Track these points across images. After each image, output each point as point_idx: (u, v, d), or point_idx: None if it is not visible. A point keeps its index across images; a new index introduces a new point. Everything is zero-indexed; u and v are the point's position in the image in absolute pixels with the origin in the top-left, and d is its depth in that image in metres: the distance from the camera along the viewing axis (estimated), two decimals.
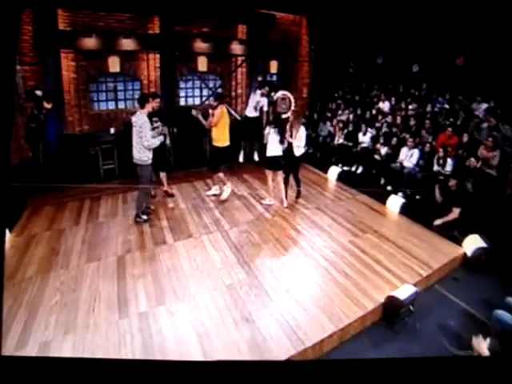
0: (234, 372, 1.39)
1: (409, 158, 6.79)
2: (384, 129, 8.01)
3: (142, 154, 4.96)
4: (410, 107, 8.24)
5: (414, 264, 4.42)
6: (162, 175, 6.15)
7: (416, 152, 6.74)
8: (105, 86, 9.65)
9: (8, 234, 4.85)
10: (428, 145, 6.64)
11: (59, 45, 8.19)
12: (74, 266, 4.30)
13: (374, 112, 8.82)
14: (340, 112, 9.32)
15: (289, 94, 10.73)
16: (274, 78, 11.43)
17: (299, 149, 6.15)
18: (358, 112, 8.89)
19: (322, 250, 4.71)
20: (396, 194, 6.45)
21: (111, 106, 9.82)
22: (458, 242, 4.90)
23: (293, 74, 11.45)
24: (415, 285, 4.00)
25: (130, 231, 5.08)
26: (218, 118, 5.67)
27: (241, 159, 7.96)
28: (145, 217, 5.34)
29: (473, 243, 4.69)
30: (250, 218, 5.59)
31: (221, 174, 6.00)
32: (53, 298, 3.76)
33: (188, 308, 3.63)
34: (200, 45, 9.18)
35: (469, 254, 4.66)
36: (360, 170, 7.98)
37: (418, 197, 6.38)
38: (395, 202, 5.98)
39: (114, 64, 9.17)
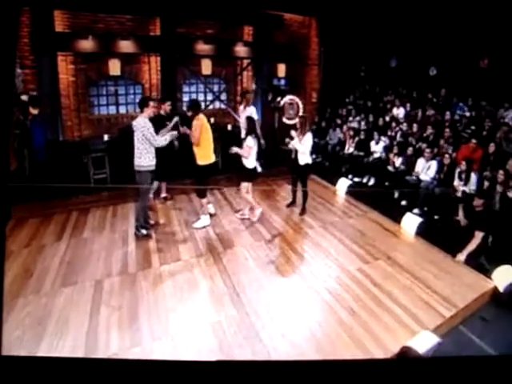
0: (234, 372, 1.36)
1: (426, 170, 6.07)
2: (398, 138, 7.31)
3: (141, 158, 4.53)
4: (427, 114, 7.48)
5: (435, 301, 3.72)
6: (162, 184, 5.77)
7: (434, 164, 6.02)
8: (105, 90, 9.26)
9: None
10: (447, 156, 5.90)
11: (56, 47, 7.83)
12: (45, 291, 3.78)
13: (387, 119, 8.10)
14: (351, 118, 8.63)
15: (297, 99, 10.18)
16: (282, 82, 10.81)
17: (304, 156, 5.54)
18: (370, 119, 8.18)
19: (326, 279, 4.07)
20: (411, 210, 5.74)
21: (112, 110, 9.43)
22: (486, 271, 4.17)
23: (301, 77, 10.81)
24: (436, 328, 3.30)
25: (114, 250, 4.55)
26: (198, 132, 4.83)
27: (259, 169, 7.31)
28: (144, 231, 4.82)
29: (505, 276, 3.95)
30: (247, 238, 4.98)
31: (204, 201, 5.20)
32: (14, 331, 3.22)
33: (165, 350, 3.07)
34: (203, 47, 8.66)
35: (501, 288, 3.92)
36: (372, 181, 7.28)
37: (436, 216, 5.65)
38: (411, 221, 5.27)
39: (114, 67, 8.74)
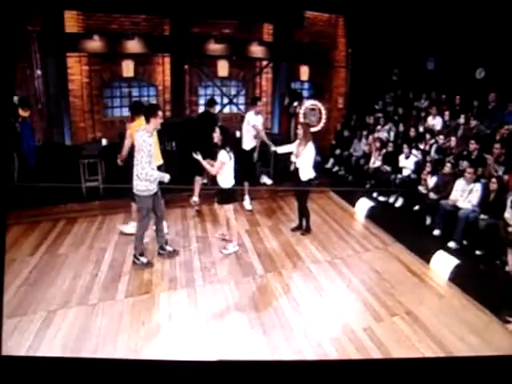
0: (234, 372, 1.34)
1: (466, 195, 4.82)
2: (433, 153, 6.03)
3: (138, 181, 3.79)
4: (472, 125, 6.13)
5: None
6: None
7: (478, 188, 4.76)
8: (119, 92, 8.79)
9: None
10: (495, 180, 4.61)
11: (65, 48, 7.47)
12: None
13: (421, 129, 6.82)
14: (379, 128, 7.42)
15: (319, 105, 9.05)
16: (306, 85, 9.76)
17: (305, 171, 4.68)
18: (401, 129, 6.92)
19: (320, 341, 3.03)
20: (447, 243, 4.53)
21: (126, 112, 8.94)
22: None
23: (327, 81, 9.70)
24: None
25: (83, 274, 3.91)
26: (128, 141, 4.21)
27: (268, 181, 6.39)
28: (144, 259, 4.08)
29: None
30: (234, 271, 4.08)
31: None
32: None
33: None
34: (218, 47, 7.81)
35: None
36: (400, 203, 6.08)
37: (478, 252, 4.40)
38: (444, 261, 4.08)
39: (127, 68, 8.31)
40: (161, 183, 3.97)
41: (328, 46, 9.08)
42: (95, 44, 7.43)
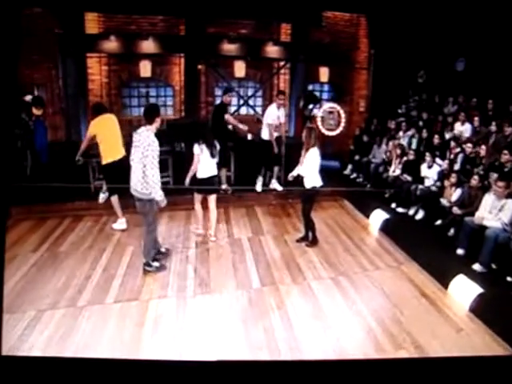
0: (234, 372, 1.32)
1: (496, 212, 4.20)
2: (459, 162, 5.41)
3: (143, 184, 3.53)
4: (507, 132, 5.45)
5: None
6: (113, 199, 4.84)
7: (510, 205, 4.13)
8: (137, 92, 8.76)
9: None
10: None
11: (85, 48, 7.54)
12: None
13: (447, 136, 6.19)
14: (401, 134, 6.83)
15: (338, 108, 8.51)
16: (326, 87, 9.26)
17: (307, 179, 4.35)
18: (424, 135, 6.31)
19: None
20: (471, 266, 3.97)
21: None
22: None
23: (347, 83, 9.17)
24: None
25: (77, 274, 3.79)
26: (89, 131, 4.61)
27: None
28: (156, 264, 3.90)
29: None
30: (228, 282, 3.75)
31: (112, 199, 4.76)
32: None
33: None
34: (234, 47, 7.49)
35: None
36: (420, 215, 5.51)
37: (510, 278, 3.81)
38: (466, 287, 3.54)
39: (145, 69, 8.33)
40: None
41: (349, 47, 8.56)
42: (113, 45, 7.43)
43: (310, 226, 4.51)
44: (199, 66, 7.64)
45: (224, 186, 5.79)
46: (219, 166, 5.35)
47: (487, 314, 3.27)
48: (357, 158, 7.53)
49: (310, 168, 4.29)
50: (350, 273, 3.95)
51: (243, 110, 8.91)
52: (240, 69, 8.29)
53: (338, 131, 8.39)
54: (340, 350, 2.84)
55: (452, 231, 4.74)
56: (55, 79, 7.93)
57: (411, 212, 5.70)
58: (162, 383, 1.31)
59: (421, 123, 6.89)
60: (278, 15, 7.29)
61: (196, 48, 7.25)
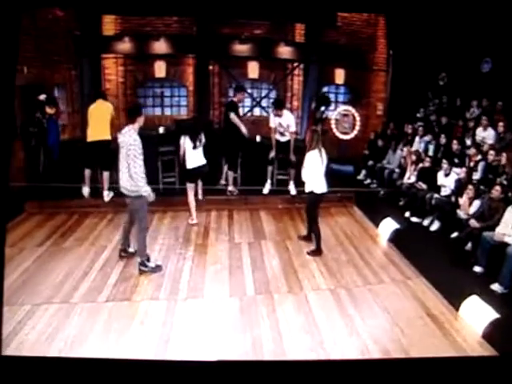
0: (234, 372, 1.30)
1: None
2: (480, 171, 4.96)
3: (131, 182, 3.58)
4: None
5: None
6: (105, 174, 5.25)
7: None
8: (151, 92, 8.80)
9: None
10: None
11: (101, 50, 7.65)
12: None
13: (468, 142, 5.71)
14: (417, 139, 6.40)
15: (353, 111, 8.14)
16: (342, 89, 8.88)
17: (307, 183, 4.19)
18: (442, 140, 5.86)
19: None
20: (489, 286, 3.57)
21: (157, 111, 9.13)
22: None
23: (365, 85, 8.76)
24: None
25: (75, 271, 3.77)
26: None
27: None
28: (152, 264, 3.81)
29: None
30: (221, 288, 3.58)
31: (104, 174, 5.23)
32: None
33: None
34: (244, 48, 7.27)
35: None
36: (435, 226, 5.12)
37: None
38: (479, 310, 3.15)
39: (159, 69, 8.34)
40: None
41: (366, 48, 8.16)
42: (127, 46, 7.47)
43: (315, 234, 4.24)
44: (210, 67, 7.46)
45: (230, 188, 5.65)
46: (228, 167, 5.53)
47: (502, 342, 2.88)
48: (370, 163, 7.15)
49: (307, 171, 4.11)
50: (351, 285, 3.63)
51: (256, 112, 8.71)
52: (253, 70, 8.09)
53: (352, 135, 8.04)
54: None
55: (469, 245, 4.33)
56: (74, 79, 8.03)
57: (426, 222, 5.31)
58: (161, 383, 1.28)
59: (437, 128, 6.41)
60: (291, 16, 7.01)
61: (207, 48, 7.10)
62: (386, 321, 3.12)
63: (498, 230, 3.91)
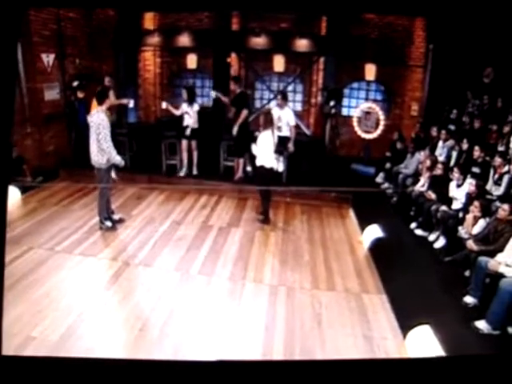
0: (234, 372, 1.27)
1: None
2: (503, 186, 3.92)
3: (99, 156, 4.04)
4: None
5: None
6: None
7: None
8: (184, 82, 8.96)
9: (19, 195, 4.95)
10: None
11: (140, 43, 7.94)
12: None
13: (501, 148, 4.59)
14: (441, 143, 5.36)
15: (377, 109, 7.18)
16: (373, 86, 7.89)
17: (258, 157, 4.44)
18: (464, 146, 4.78)
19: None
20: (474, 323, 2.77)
21: None
22: None
23: (399, 83, 7.64)
24: None
25: (72, 227, 4.17)
26: None
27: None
28: (109, 223, 4.25)
29: None
30: (170, 263, 3.56)
31: None
32: None
33: None
34: (265, 41, 6.81)
35: None
36: (441, 243, 4.21)
37: None
38: (426, 344, 2.41)
39: (191, 61, 8.45)
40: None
41: (401, 41, 7.02)
42: (161, 40, 7.72)
43: (264, 203, 4.26)
44: (228, 59, 7.18)
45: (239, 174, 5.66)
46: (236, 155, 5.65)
47: None
48: (388, 165, 6.23)
49: (259, 148, 4.30)
50: (296, 286, 3.17)
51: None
52: (279, 63, 7.59)
53: (375, 134, 7.11)
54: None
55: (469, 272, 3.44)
56: (119, 70, 8.42)
57: (432, 237, 4.41)
58: (161, 383, 1.26)
59: (469, 133, 5.25)
60: (316, 8, 6.30)
61: (225, 42, 6.82)
62: (307, 332, 2.59)
63: (499, 257, 3.01)
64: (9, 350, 2.22)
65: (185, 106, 5.60)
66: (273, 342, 2.47)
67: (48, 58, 6.24)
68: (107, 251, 3.70)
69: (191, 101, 5.61)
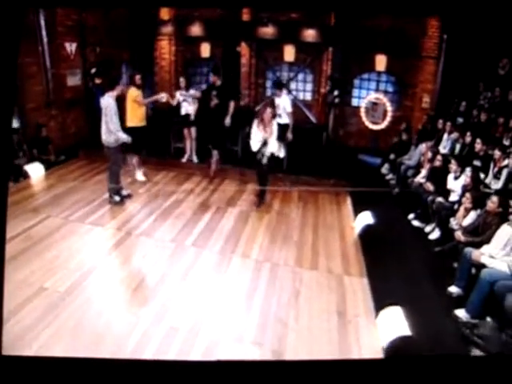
0: (234, 372, 1.26)
1: (509, 251, 2.80)
2: (502, 180, 3.81)
3: (107, 135, 4.33)
4: None
5: None
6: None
7: None
8: (198, 70, 8.99)
9: (43, 171, 5.28)
10: None
11: (157, 33, 8.12)
12: None
13: (506, 142, 4.42)
14: (446, 136, 5.21)
15: (384, 100, 7.02)
16: (384, 77, 7.67)
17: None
18: (467, 139, 4.63)
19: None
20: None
21: (203, 87, 9.12)
22: None
23: (411, 74, 7.37)
24: None
25: (86, 199, 4.48)
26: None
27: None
28: (117, 198, 4.51)
29: None
30: (168, 235, 3.74)
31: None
32: None
33: None
34: (276, 31, 6.75)
35: None
36: (436, 235, 4.17)
37: None
38: (395, 324, 2.44)
39: (205, 50, 8.51)
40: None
41: (414, 32, 6.74)
42: (175, 29, 7.86)
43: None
44: (238, 49, 7.17)
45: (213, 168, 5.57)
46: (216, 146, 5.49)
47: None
48: (392, 156, 6.13)
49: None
50: (280, 263, 3.28)
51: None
52: (289, 53, 7.50)
53: (382, 125, 6.98)
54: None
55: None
56: (136, 58, 8.59)
57: (428, 229, 4.36)
58: (161, 383, 1.25)
59: (471, 125, 5.07)
60: (319, 7, 6.16)
61: (235, 32, 6.80)
62: (284, 304, 2.71)
63: (484, 248, 2.97)
64: (22, 298, 2.54)
65: (178, 95, 5.59)
66: (250, 309, 2.62)
67: (71, 47, 6.51)
68: (113, 222, 3.98)
69: (187, 88, 5.63)
